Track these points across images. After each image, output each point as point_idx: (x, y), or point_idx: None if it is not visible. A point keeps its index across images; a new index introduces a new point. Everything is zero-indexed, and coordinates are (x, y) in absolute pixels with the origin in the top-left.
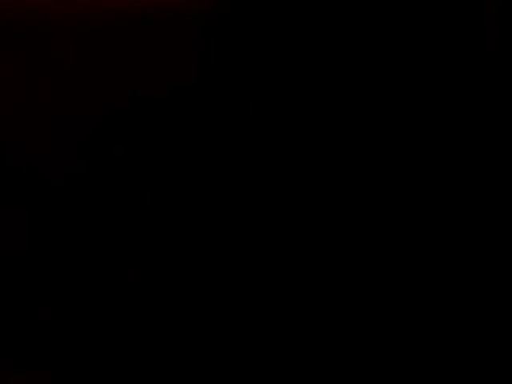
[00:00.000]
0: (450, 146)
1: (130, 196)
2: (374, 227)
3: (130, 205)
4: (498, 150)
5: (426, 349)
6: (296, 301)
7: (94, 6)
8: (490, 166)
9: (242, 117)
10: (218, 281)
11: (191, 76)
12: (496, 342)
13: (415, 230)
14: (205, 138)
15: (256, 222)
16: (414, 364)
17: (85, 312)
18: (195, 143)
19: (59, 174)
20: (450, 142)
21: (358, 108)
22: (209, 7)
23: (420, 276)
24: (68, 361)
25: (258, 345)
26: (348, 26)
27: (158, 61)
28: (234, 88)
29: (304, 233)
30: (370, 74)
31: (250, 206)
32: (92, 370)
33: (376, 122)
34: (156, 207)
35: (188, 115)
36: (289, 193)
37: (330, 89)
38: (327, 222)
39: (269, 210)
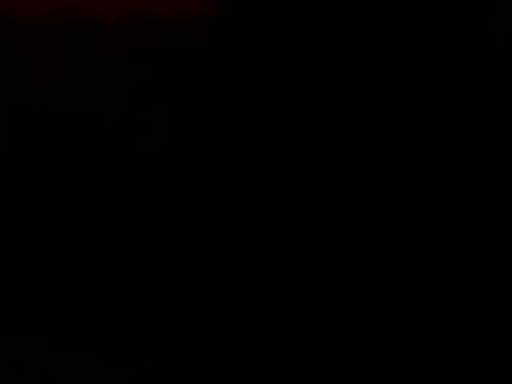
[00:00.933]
0: (460, 147)
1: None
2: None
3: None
4: (507, 150)
5: (426, 348)
6: (296, 300)
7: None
8: (500, 165)
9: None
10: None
11: None
12: (496, 341)
13: (416, 230)
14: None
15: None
16: (414, 364)
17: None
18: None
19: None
20: (459, 143)
21: (364, 107)
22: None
23: (420, 276)
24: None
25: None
26: (355, 26)
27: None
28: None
29: (302, 233)
30: (379, 75)
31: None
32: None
33: (385, 122)
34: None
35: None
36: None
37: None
38: (326, 221)
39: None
